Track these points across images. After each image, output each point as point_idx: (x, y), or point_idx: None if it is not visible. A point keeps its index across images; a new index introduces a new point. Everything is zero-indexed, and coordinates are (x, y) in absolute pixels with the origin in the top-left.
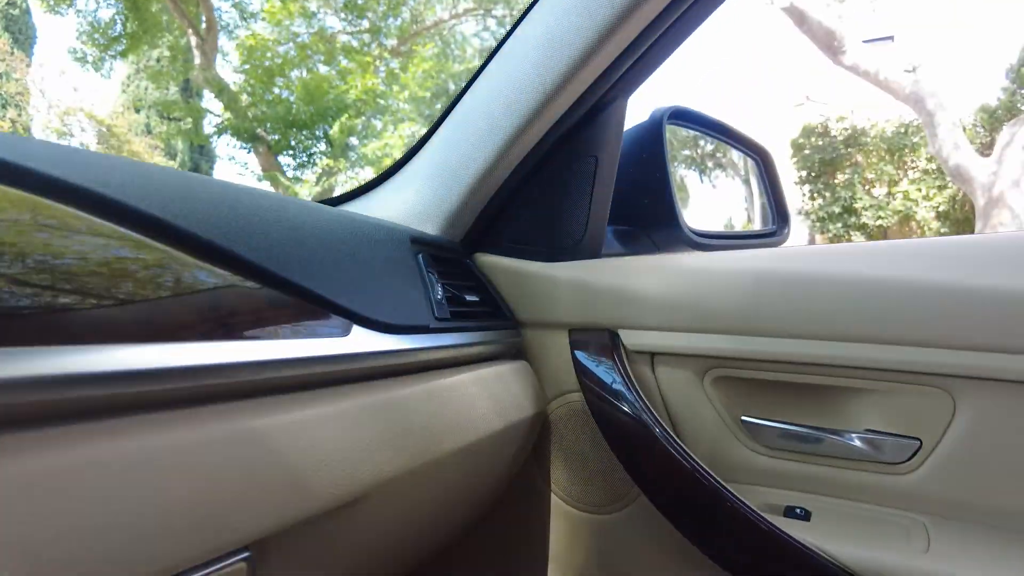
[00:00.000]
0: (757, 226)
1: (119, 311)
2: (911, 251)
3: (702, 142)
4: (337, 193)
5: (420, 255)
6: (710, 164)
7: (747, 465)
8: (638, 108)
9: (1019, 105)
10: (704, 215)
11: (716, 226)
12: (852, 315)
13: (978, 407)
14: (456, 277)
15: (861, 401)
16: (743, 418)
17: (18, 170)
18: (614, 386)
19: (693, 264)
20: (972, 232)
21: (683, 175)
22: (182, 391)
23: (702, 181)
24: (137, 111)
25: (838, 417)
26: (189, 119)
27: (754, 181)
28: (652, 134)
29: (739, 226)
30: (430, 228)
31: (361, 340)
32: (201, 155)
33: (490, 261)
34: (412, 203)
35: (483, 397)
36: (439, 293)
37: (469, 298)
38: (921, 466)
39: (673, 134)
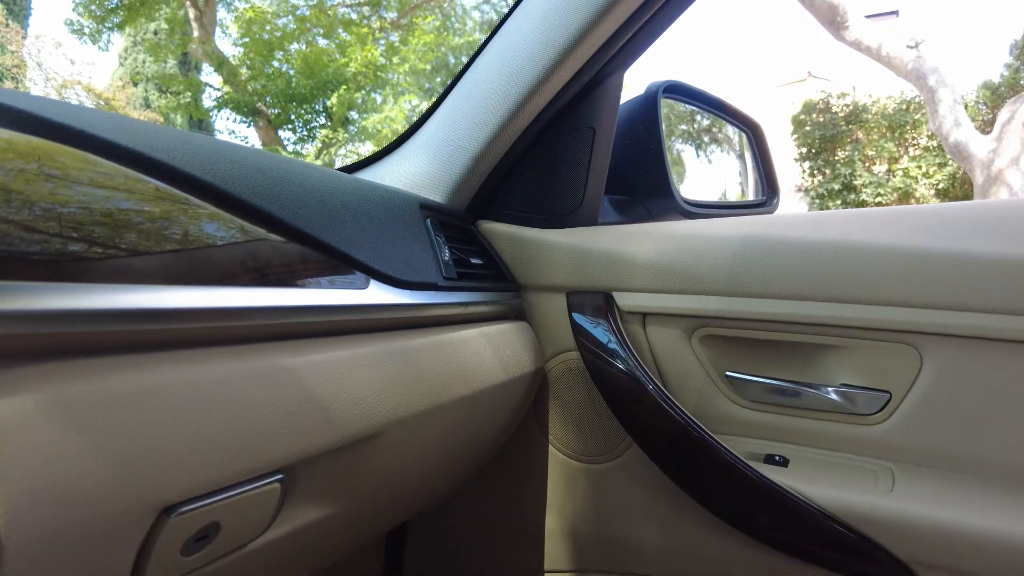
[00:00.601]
0: (751, 198)
1: (173, 258)
2: (882, 218)
3: (699, 117)
4: (337, 166)
5: (428, 220)
6: (706, 139)
7: (731, 417)
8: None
9: (1022, 82)
10: (701, 187)
11: (711, 197)
12: (828, 277)
13: (942, 361)
14: (461, 242)
15: (836, 357)
16: (727, 373)
17: (93, 139)
18: (609, 345)
19: (682, 230)
20: None
21: (680, 149)
22: (226, 330)
23: (699, 155)
24: (135, 84)
25: (815, 372)
26: (188, 93)
27: (747, 154)
28: (648, 107)
29: (734, 198)
30: (436, 196)
31: (377, 293)
32: (200, 129)
33: (493, 228)
34: (419, 172)
35: (487, 352)
36: (446, 255)
37: (474, 261)
38: (890, 417)
39: (671, 109)
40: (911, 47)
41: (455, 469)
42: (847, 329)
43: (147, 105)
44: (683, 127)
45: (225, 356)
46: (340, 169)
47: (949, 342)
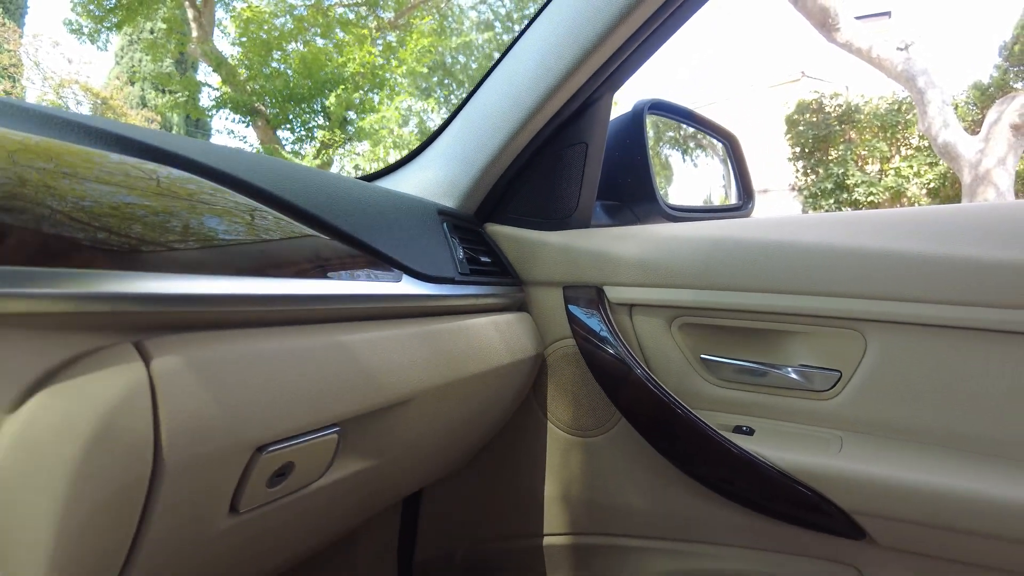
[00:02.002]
0: (731, 202)
1: (263, 257)
2: (833, 222)
3: (685, 125)
4: (335, 166)
5: (445, 223)
6: (692, 144)
7: (705, 394)
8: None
9: (1011, 83)
10: (689, 189)
11: (697, 200)
12: (788, 272)
13: (883, 344)
14: (472, 242)
15: (795, 341)
16: (702, 356)
17: (194, 163)
18: (600, 333)
19: (663, 232)
20: None
21: (668, 154)
22: (299, 313)
23: (684, 160)
24: (132, 83)
25: (777, 354)
26: (185, 92)
27: (727, 162)
28: (635, 123)
29: (717, 201)
30: (449, 202)
31: (408, 286)
32: (197, 128)
33: (499, 230)
34: (435, 181)
35: (495, 337)
36: (460, 254)
37: (483, 259)
38: (840, 393)
39: (660, 120)
40: (901, 49)
41: (468, 439)
42: (803, 317)
43: (144, 104)
44: (670, 134)
45: (301, 333)
46: (364, 177)
47: (889, 327)
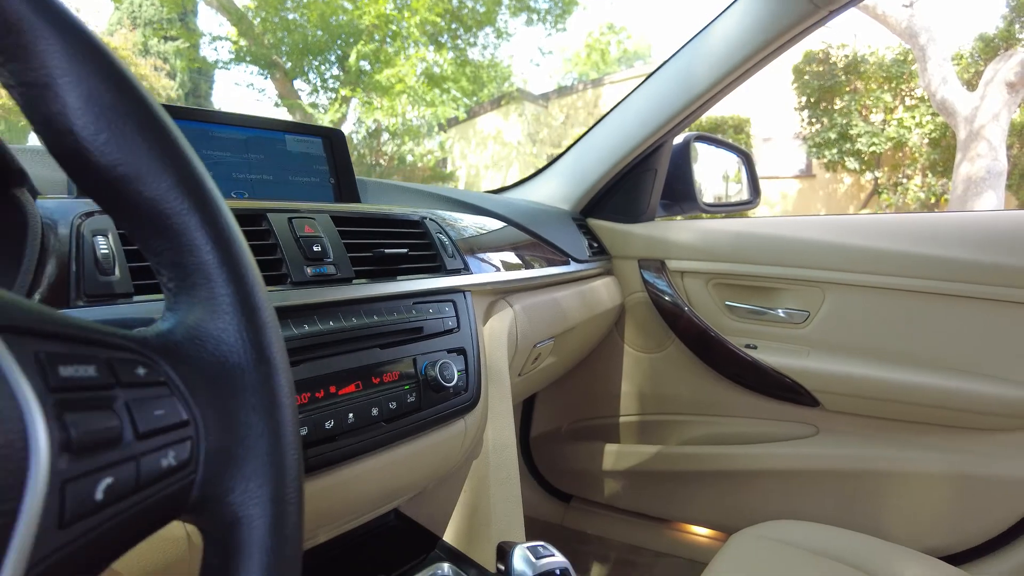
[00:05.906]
0: (746, 198)
1: (524, 257)
2: (808, 223)
3: (716, 147)
4: (351, 116)
5: (575, 223)
6: (719, 158)
7: (728, 326)
8: None
9: (1016, 34)
10: (715, 184)
11: (721, 192)
12: (780, 253)
13: (835, 296)
14: (586, 233)
15: (783, 293)
16: (726, 303)
17: (466, 205)
18: (663, 288)
19: (704, 226)
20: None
21: (705, 166)
22: (540, 282)
23: (715, 168)
24: (134, 28)
25: (772, 302)
26: (185, 41)
27: (743, 170)
28: (684, 149)
29: (735, 194)
30: (565, 205)
31: (572, 265)
32: (200, 75)
33: (596, 223)
34: (557, 192)
35: (604, 292)
36: (585, 243)
37: (593, 245)
38: (809, 325)
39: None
40: (906, 6)
41: (579, 353)
42: (788, 280)
43: (146, 51)
44: (707, 153)
45: (542, 293)
46: (496, 190)
47: (838, 287)
